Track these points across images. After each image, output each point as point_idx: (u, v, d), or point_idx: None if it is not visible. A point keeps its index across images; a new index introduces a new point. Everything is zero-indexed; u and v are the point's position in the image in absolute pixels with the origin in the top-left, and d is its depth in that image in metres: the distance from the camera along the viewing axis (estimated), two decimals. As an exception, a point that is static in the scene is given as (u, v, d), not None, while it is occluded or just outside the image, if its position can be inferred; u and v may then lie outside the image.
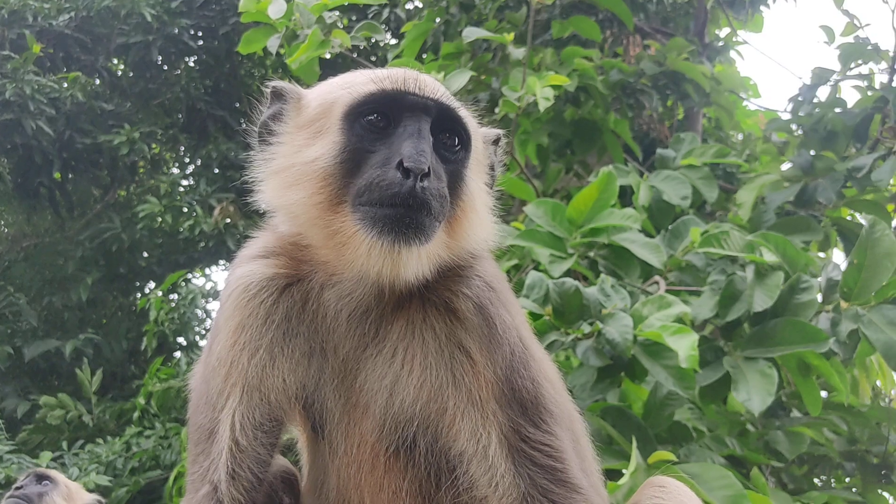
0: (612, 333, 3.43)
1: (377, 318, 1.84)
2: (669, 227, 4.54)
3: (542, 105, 4.69)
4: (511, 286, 2.03)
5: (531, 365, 1.82)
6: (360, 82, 1.82)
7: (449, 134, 1.81)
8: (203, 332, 10.57)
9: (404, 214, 1.65)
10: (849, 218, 5.61)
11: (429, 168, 1.64)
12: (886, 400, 6.09)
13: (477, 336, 1.78)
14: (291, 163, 1.81)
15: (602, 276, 3.93)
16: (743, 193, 5.47)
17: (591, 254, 4.27)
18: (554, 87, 4.92)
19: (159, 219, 10.64)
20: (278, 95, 1.95)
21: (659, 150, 5.47)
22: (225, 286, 1.99)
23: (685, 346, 3.24)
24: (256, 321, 1.86)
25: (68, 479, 4.20)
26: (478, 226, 1.85)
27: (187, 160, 12.25)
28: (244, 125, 2.02)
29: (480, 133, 1.99)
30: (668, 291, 3.99)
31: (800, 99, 5.84)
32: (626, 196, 5.13)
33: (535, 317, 3.67)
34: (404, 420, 1.81)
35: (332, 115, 1.80)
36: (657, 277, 4.26)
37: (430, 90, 1.80)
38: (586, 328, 3.56)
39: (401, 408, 1.80)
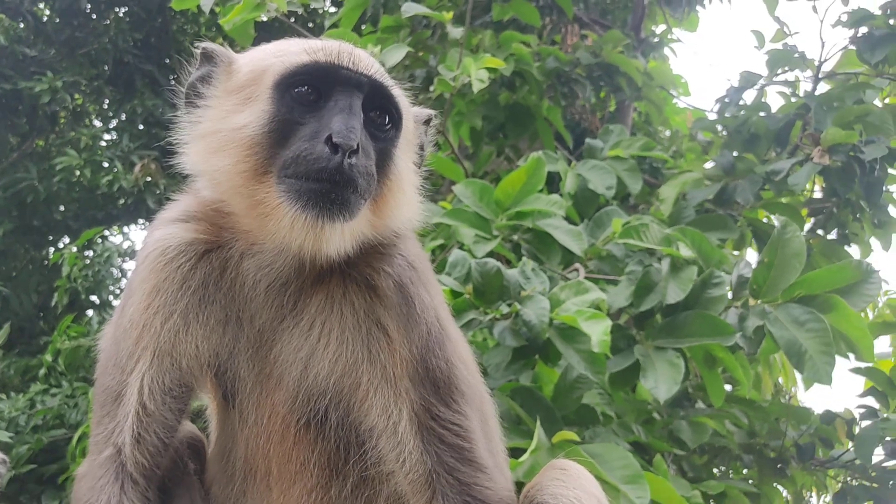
0: (530, 315, 3.49)
1: (296, 291, 1.84)
2: (593, 216, 4.63)
3: (476, 86, 4.72)
4: (435, 266, 2.06)
5: (447, 345, 1.86)
6: (293, 52, 1.81)
7: (380, 112, 1.81)
8: (118, 291, 10.31)
9: (330, 190, 1.65)
10: (765, 220, 5.79)
11: (357, 145, 1.64)
12: (787, 397, 6.35)
13: (395, 314, 1.80)
14: (218, 128, 1.79)
15: (524, 259, 3.98)
16: (666, 189, 5.59)
17: (515, 237, 4.33)
18: (489, 69, 4.95)
19: (78, 172, 10.33)
20: (208, 57, 1.92)
21: (588, 140, 5.56)
22: (142, 247, 1.96)
23: (598, 332, 3.32)
24: (172, 285, 1.84)
25: None
26: (404, 205, 1.86)
27: (111, 114, 11.86)
28: (173, 82, 1.99)
29: (412, 112, 1.99)
30: (586, 279, 4.07)
31: (727, 100, 5.98)
32: (553, 183, 5.20)
33: (455, 295, 3.72)
34: (317, 393, 1.82)
35: (262, 83, 1.79)
36: (577, 265, 4.34)
37: (363, 66, 1.79)
38: (505, 309, 3.62)
39: (314, 381, 1.82)
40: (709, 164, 6.01)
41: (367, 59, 1.83)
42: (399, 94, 1.89)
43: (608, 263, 4.41)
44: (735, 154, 5.59)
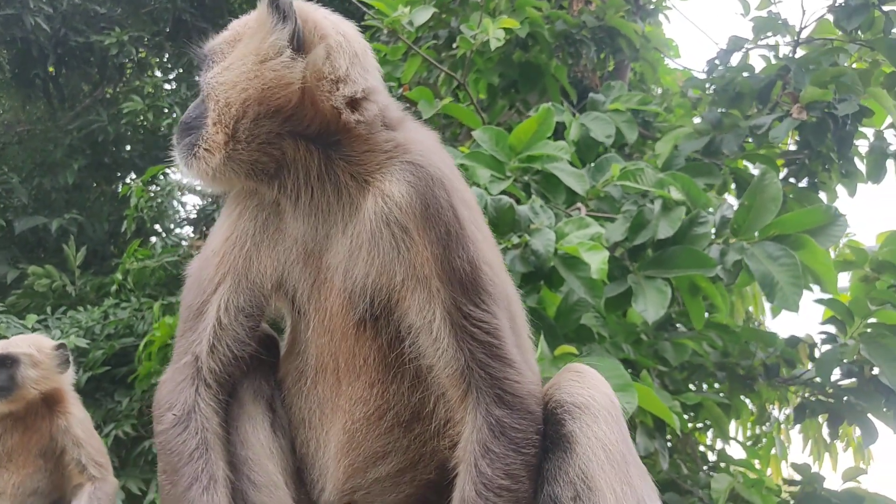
0: (537, 245, 3.49)
1: (324, 209, 1.84)
2: (594, 161, 4.58)
3: (494, 44, 4.64)
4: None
5: (468, 246, 1.76)
6: None
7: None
8: (178, 220, 10.38)
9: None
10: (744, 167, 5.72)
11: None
12: (756, 323, 6.35)
13: (412, 215, 1.74)
14: None
15: (533, 197, 3.96)
16: (661, 145, 5.50)
17: (526, 178, 4.29)
18: (505, 30, 4.86)
19: (142, 117, 10.27)
20: None
21: (591, 94, 5.47)
22: None
23: (597, 261, 3.31)
24: (247, 218, 1.93)
25: (31, 342, 3.55)
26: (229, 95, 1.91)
27: (170, 66, 11.75)
28: None
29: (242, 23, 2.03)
30: (588, 216, 4.04)
31: (716, 62, 5.87)
32: (558, 133, 5.12)
33: (473, 227, 3.69)
34: (359, 292, 1.80)
35: None
36: (579, 203, 4.31)
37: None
38: (515, 239, 3.61)
39: (354, 281, 1.80)
40: (697, 120, 5.92)
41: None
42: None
43: (607, 203, 4.37)
44: (721, 110, 5.49)
